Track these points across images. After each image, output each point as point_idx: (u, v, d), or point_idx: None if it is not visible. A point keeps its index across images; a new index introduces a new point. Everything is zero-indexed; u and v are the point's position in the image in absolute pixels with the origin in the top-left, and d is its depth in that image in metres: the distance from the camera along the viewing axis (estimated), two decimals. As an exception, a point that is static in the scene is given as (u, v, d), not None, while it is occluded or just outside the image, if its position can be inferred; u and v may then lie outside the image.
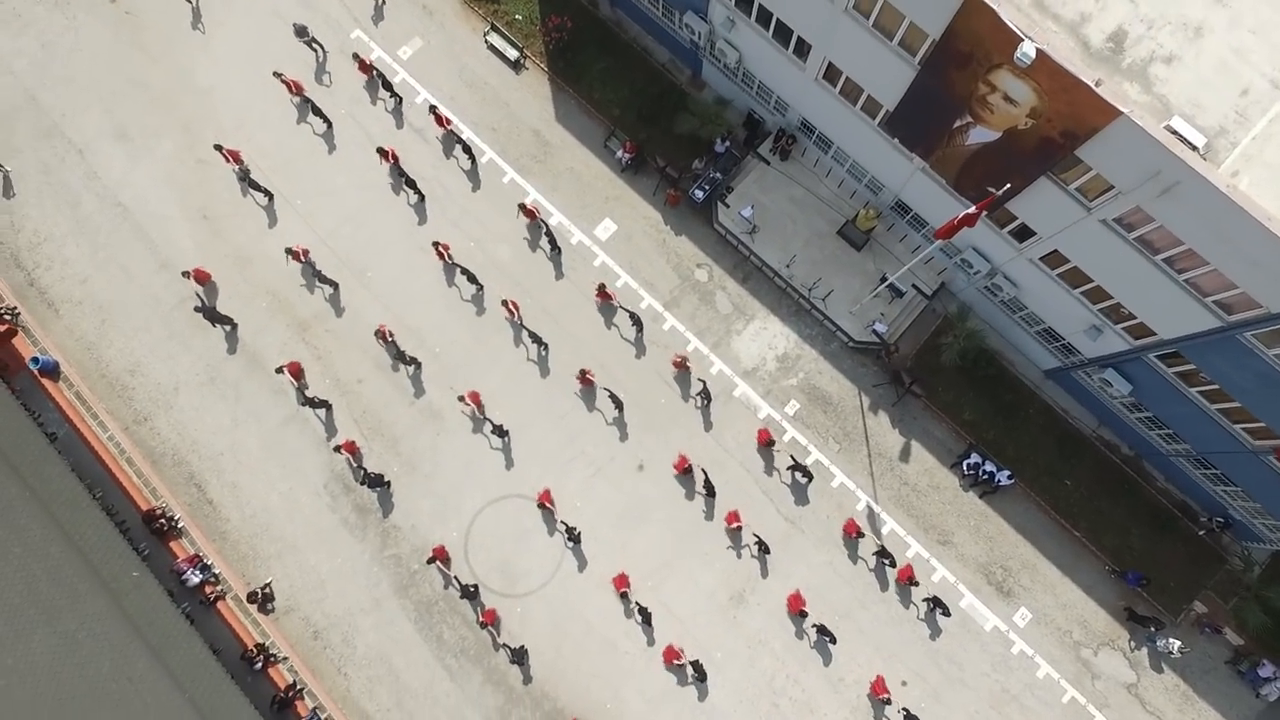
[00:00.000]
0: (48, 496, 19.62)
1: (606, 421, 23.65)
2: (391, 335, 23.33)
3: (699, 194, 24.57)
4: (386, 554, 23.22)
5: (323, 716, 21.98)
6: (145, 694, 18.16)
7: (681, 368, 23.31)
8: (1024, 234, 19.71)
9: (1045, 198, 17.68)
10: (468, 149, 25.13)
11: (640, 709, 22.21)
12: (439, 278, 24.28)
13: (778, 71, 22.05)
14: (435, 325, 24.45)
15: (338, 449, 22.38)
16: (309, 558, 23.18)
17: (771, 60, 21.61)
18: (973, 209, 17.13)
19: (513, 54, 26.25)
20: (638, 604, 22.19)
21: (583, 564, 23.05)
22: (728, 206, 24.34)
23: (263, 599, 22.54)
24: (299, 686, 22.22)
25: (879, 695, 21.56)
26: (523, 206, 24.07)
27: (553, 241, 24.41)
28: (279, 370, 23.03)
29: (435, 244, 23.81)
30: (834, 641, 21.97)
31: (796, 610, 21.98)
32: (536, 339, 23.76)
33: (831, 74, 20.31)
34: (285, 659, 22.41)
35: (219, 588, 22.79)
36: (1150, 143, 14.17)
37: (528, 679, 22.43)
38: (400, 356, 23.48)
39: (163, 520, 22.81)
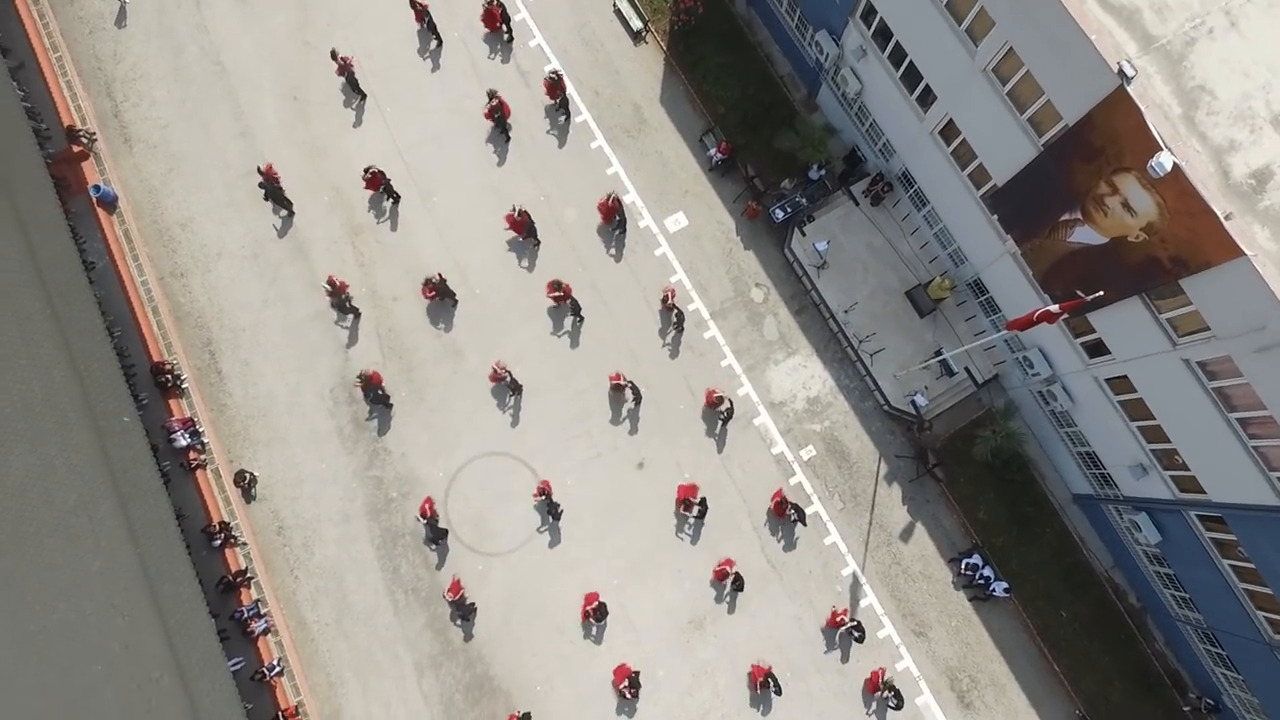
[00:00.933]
0: (67, 320, 19.73)
1: (620, 410, 23.08)
2: (441, 277, 22.90)
3: (779, 214, 23.84)
4: (370, 473, 23.03)
5: (263, 611, 21.92)
6: (100, 536, 18.18)
7: (712, 403, 22.56)
8: (1097, 350, 18.67)
9: (1132, 319, 16.66)
10: (565, 105, 24.67)
11: (567, 702, 21.75)
12: (500, 221, 23.89)
13: (895, 115, 21.21)
14: (483, 267, 24.13)
15: (362, 377, 21.93)
16: (296, 454, 23.09)
17: (892, 101, 20.77)
18: (1054, 308, 16.18)
19: (637, 24, 25.71)
20: (598, 605, 21.69)
21: (555, 541, 22.62)
22: (804, 235, 23.56)
23: (248, 483, 22.49)
24: (249, 575, 22.20)
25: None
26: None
27: (622, 221, 23.86)
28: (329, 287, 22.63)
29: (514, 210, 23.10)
30: (779, 693, 21.21)
31: (758, 679, 21.14)
32: (577, 309, 23.27)
33: (949, 132, 19.43)
34: (245, 545, 22.37)
35: (202, 457, 22.81)
36: (1265, 294, 13.15)
37: (468, 637, 22.10)
38: (443, 290, 23.17)
39: (169, 376, 22.89)
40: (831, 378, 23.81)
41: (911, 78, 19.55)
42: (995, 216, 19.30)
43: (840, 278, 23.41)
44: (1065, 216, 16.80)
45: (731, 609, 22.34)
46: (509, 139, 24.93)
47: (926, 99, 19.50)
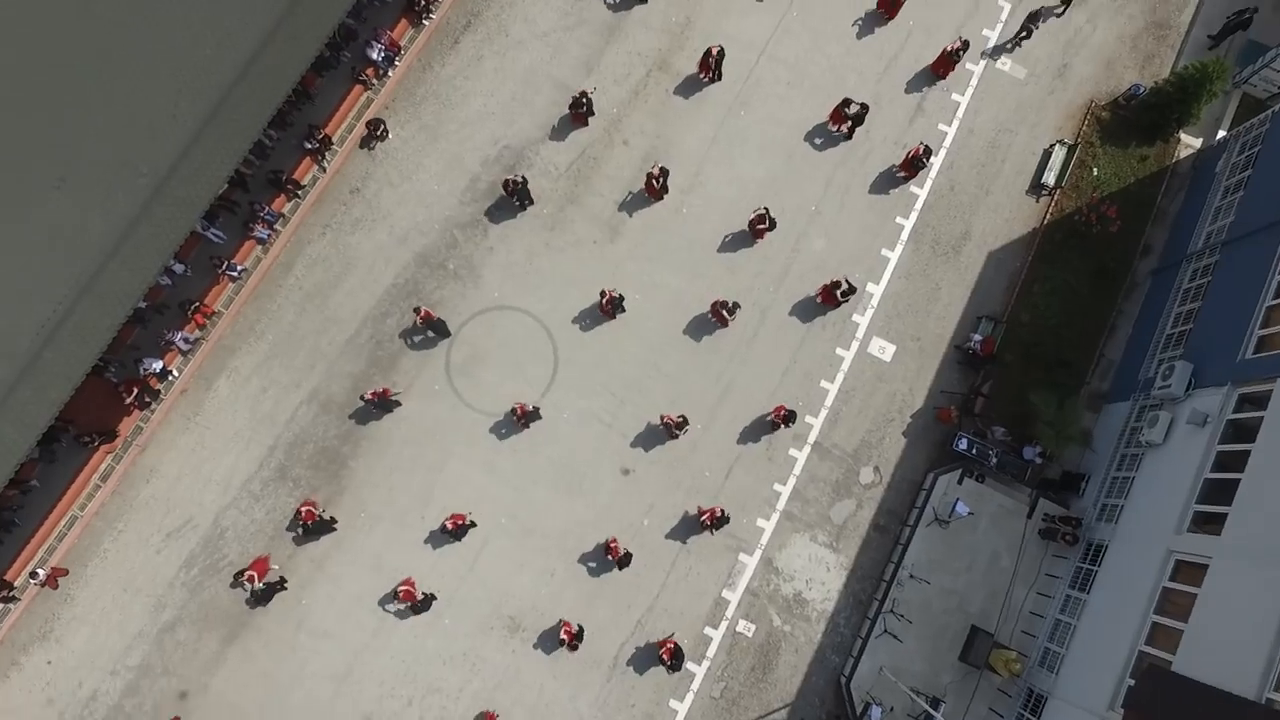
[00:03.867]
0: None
1: (655, 413, 20.23)
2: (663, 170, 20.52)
3: (962, 444, 19.96)
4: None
5: (275, 226, 20.80)
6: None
7: (707, 520, 19.46)
8: None
9: None
10: (915, 171, 21.42)
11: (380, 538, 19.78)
12: (743, 225, 21.04)
13: (1157, 499, 16.89)
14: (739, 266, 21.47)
15: None
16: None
17: (1170, 486, 16.45)
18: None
19: (1049, 179, 21.85)
20: (469, 524, 19.37)
21: (496, 437, 20.34)
22: (959, 483, 19.65)
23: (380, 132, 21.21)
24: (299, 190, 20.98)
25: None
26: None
27: (845, 294, 20.63)
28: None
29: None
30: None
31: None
32: (734, 310, 20.39)
33: (1185, 575, 15.06)
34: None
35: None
36: None
37: (362, 422, 20.30)
38: (661, 186, 20.82)
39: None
40: (835, 604, 20.16)
41: (1218, 494, 15.18)
42: (1126, 689, 14.96)
43: (940, 548, 19.48)
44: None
45: (557, 641, 19.56)
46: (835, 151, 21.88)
47: (1206, 521, 15.14)
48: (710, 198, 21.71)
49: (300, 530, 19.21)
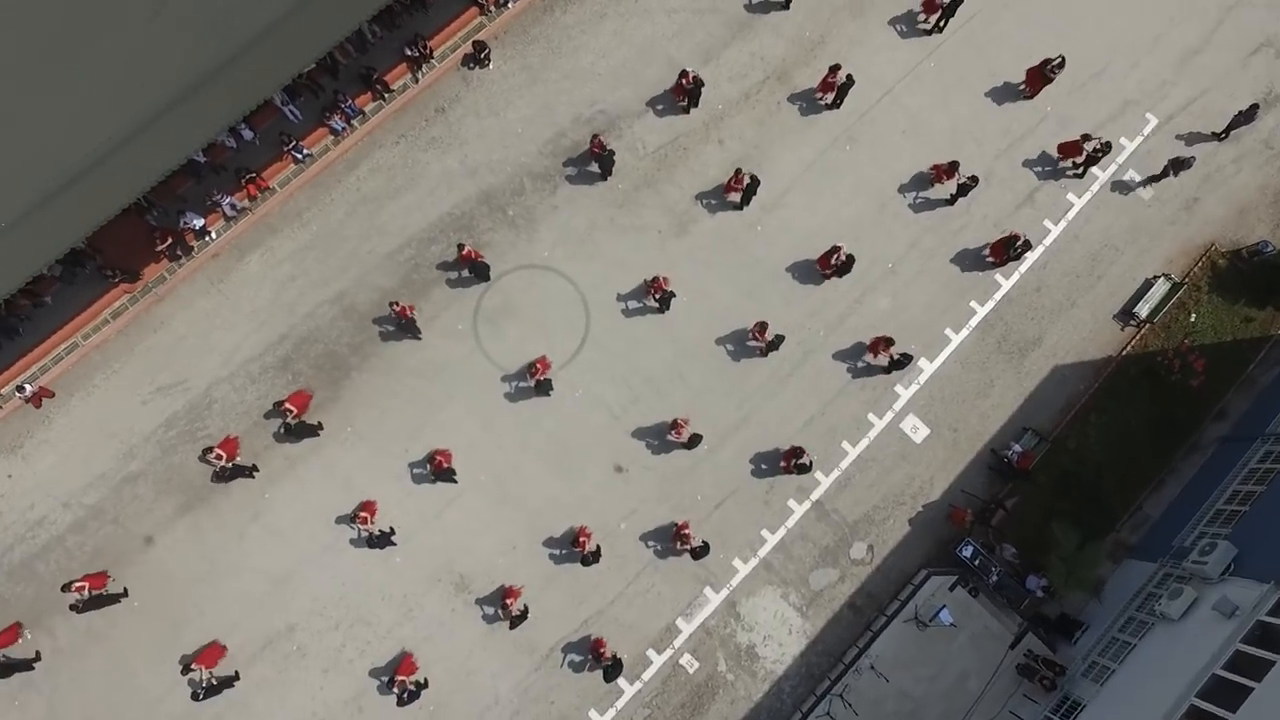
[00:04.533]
0: None
1: (667, 417, 19.36)
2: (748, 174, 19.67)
3: (967, 551, 18.83)
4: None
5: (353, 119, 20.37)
6: None
7: (679, 537, 18.56)
8: None
9: None
10: (1009, 257, 20.25)
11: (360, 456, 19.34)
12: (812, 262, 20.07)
13: (1145, 683, 15.58)
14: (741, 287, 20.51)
15: None
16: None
17: (1162, 673, 15.16)
18: None
19: (1143, 309, 20.52)
20: (447, 472, 18.79)
21: (503, 394, 19.69)
22: (950, 589, 18.53)
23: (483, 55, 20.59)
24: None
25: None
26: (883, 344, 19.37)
27: (899, 365, 19.56)
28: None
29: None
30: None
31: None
32: (772, 347, 19.46)
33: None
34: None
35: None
36: None
37: (358, 360, 19.81)
38: (744, 194, 19.95)
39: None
40: (786, 668, 19.22)
41: (1224, 696, 13.90)
42: None
43: (911, 649, 18.41)
44: None
45: (500, 611, 18.95)
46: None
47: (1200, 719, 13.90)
48: (789, 222, 20.75)
49: (284, 425, 18.78)
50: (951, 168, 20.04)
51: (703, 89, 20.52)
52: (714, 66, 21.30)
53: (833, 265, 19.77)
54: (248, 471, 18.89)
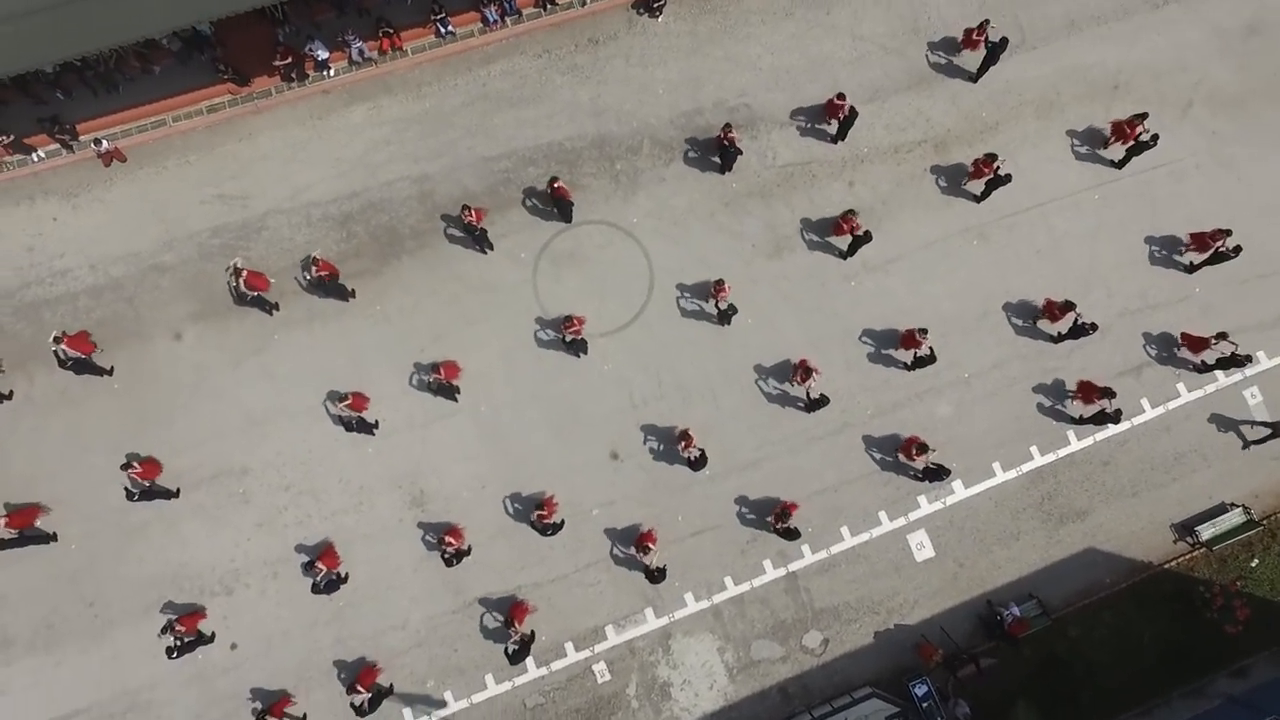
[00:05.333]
0: None
1: (683, 426, 18.38)
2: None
3: (921, 689, 17.68)
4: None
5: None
6: None
7: (642, 546, 17.48)
8: None
9: None
10: (1103, 418, 18.65)
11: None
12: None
13: None
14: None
15: None
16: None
17: None
18: None
19: (1206, 533, 18.85)
20: (450, 388, 18.13)
21: (535, 337, 19.01)
22: (887, 719, 17.24)
23: None
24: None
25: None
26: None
27: (932, 475, 18.26)
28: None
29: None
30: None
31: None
32: (822, 404, 18.34)
33: None
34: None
35: None
36: None
37: (414, 244, 19.25)
38: (856, 243, 18.71)
39: None
40: (690, 722, 18.20)
41: None
42: None
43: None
44: None
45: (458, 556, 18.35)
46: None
47: None
48: (885, 290, 19.53)
49: (310, 275, 18.31)
50: (1065, 308, 18.50)
51: (855, 123, 19.34)
52: (876, 107, 20.12)
53: (914, 352, 18.43)
54: (268, 307, 18.55)
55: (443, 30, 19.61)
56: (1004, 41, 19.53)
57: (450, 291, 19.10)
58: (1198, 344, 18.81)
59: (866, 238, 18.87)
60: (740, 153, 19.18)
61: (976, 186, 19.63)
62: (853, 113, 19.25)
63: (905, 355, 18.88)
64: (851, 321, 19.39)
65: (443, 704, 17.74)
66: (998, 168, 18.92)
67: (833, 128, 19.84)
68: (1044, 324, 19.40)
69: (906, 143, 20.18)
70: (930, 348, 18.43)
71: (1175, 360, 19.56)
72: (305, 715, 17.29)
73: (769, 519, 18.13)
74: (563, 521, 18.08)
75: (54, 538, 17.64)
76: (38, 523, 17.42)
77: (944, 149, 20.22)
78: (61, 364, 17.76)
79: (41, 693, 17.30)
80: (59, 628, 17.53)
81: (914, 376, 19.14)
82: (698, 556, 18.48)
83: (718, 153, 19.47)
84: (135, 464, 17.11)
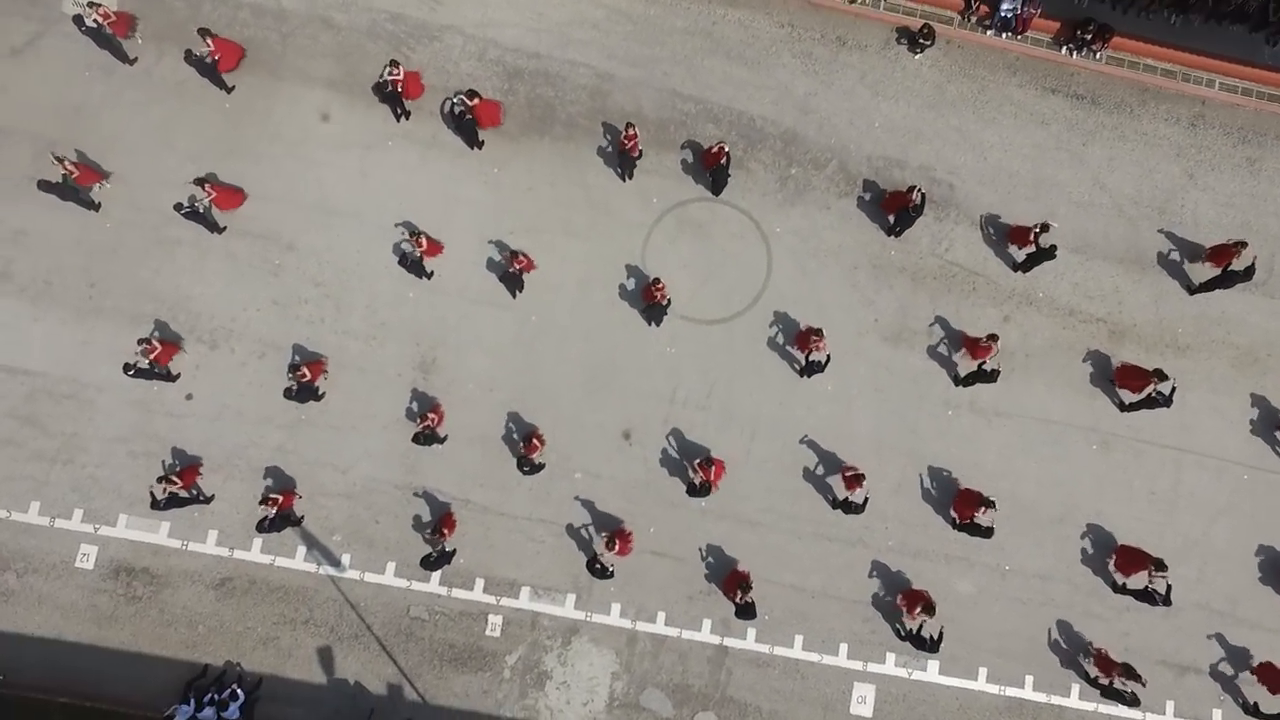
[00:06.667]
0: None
1: (709, 453, 16.88)
2: None
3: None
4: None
5: None
6: None
7: (612, 541, 16.06)
8: None
9: None
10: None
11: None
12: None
13: None
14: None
15: None
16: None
17: None
18: None
19: None
20: (517, 280, 16.97)
21: (619, 282, 17.70)
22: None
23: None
24: None
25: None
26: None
27: (918, 640, 16.35)
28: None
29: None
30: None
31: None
32: (849, 509, 16.59)
33: None
34: None
35: None
36: None
37: (566, 129, 18.00)
38: (976, 377, 16.77)
39: None
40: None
41: None
42: None
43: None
44: None
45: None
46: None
47: None
48: (978, 438, 17.62)
49: (456, 107, 17.31)
50: (1147, 563, 16.25)
51: (1047, 262, 17.34)
52: (1076, 260, 18.08)
53: (972, 517, 16.48)
54: (401, 112, 17.71)
55: (708, -50, 18.25)
56: (1248, 272, 17.22)
57: (569, 194, 17.91)
58: (1275, 681, 16.33)
59: (991, 376, 16.95)
60: (915, 219, 17.40)
61: (1125, 397, 17.42)
62: (1050, 251, 17.25)
63: (961, 516, 16.86)
64: (928, 449, 17.51)
65: (337, 563, 16.80)
66: (1161, 389, 16.65)
67: (1021, 255, 17.82)
68: (1114, 567, 17.14)
69: (1086, 313, 18.06)
70: (992, 524, 16.44)
71: (1228, 683, 17.10)
72: (213, 497, 16.55)
73: (726, 583, 16.52)
74: (543, 465, 16.85)
75: (97, 207, 17.23)
76: (94, 188, 17.02)
77: (1118, 340, 18.03)
78: (187, 59, 17.27)
79: (6, 336, 16.95)
80: (54, 289, 17.17)
81: (956, 537, 17.19)
82: (646, 576, 17.05)
83: (894, 213, 17.72)
84: (209, 186, 16.50)
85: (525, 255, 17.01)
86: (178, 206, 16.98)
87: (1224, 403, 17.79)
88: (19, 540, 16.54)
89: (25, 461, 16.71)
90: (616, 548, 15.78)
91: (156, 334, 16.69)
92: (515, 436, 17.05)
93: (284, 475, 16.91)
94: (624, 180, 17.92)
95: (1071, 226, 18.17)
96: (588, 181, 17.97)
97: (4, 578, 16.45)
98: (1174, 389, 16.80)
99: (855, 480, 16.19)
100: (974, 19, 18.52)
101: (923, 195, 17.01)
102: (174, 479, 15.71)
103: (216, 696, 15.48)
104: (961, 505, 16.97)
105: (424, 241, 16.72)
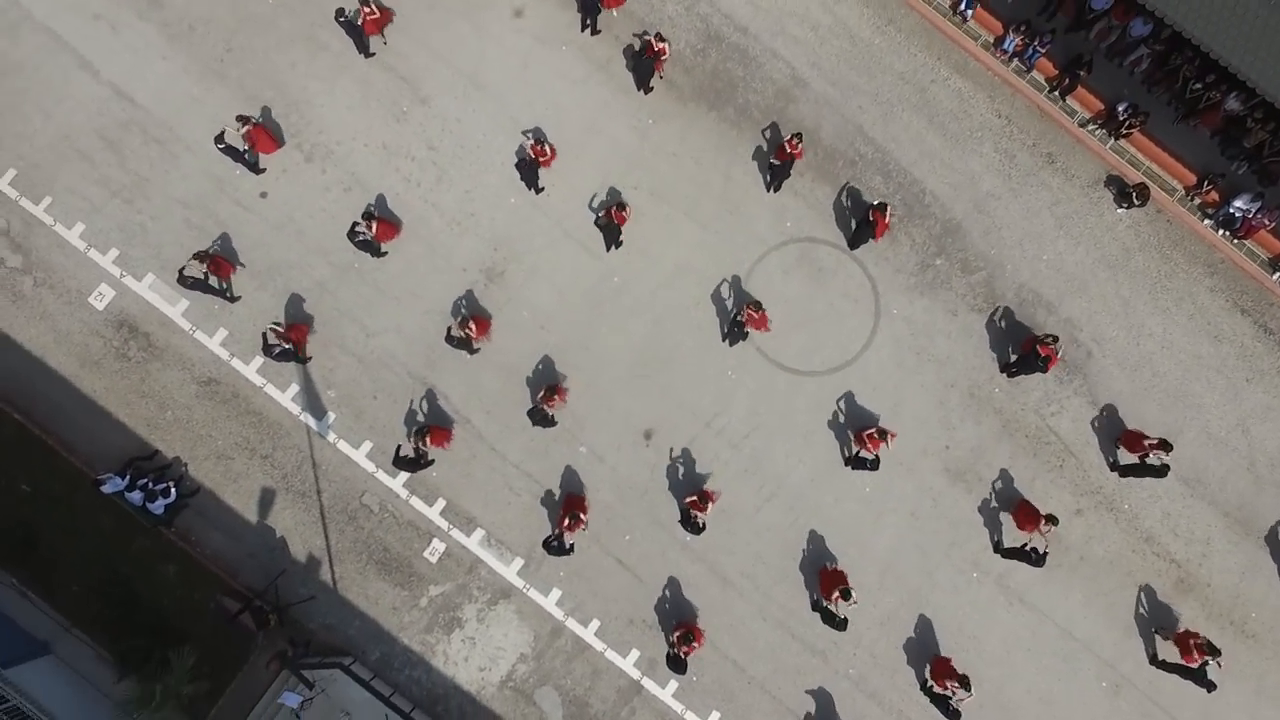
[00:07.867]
0: None
1: (723, 487, 15.67)
2: None
3: None
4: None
5: None
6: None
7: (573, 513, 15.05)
8: None
9: None
10: None
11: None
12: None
13: None
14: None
15: None
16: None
17: None
18: None
19: None
20: (616, 232, 15.96)
21: (718, 288, 16.55)
22: None
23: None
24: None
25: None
26: None
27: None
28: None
29: None
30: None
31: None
32: (832, 618, 15.20)
33: None
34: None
35: None
36: None
37: (734, 111, 16.79)
38: (1026, 556, 15.18)
39: None
40: (435, 663, 15.97)
41: None
42: None
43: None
44: None
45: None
46: None
47: None
48: (991, 615, 16.10)
49: (640, 46, 16.31)
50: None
51: (1152, 478, 15.63)
52: (1181, 491, 16.45)
53: (947, 689, 14.93)
54: (592, 23, 16.86)
55: (962, 9, 16.82)
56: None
57: (709, 178, 16.80)
58: None
59: (1035, 559, 15.39)
60: (1034, 371, 15.85)
61: (1170, 654, 15.60)
62: (1160, 470, 15.54)
63: (935, 681, 15.33)
64: (934, 599, 16.02)
65: (322, 416, 16.15)
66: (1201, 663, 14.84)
67: (1127, 459, 16.09)
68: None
69: (1164, 548, 16.26)
70: (960, 708, 14.90)
71: None
72: (239, 298, 16.02)
73: (673, 636, 15.30)
74: (555, 423, 15.87)
75: (269, -21, 16.70)
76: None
77: (1184, 591, 16.20)
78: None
79: (133, 60, 16.67)
80: (194, 37, 16.90)
81: (918, 700, 15.67)
82: (597, 580, 15.97)
83: (1019, 355, 16.16)
84: (371, 4, 15.84)
85: (626, 211, 15.84)
86: (339, 13, 16.37)
87: (1266, 713, 15.80)
88: (51, 253, 16.26)
89: (92, 183, 16.41)
90: (578, 519, 14.77)
91: (260, 120, 16.12)
92: (541, 382, 16.08)
93: (310, 311, 16.28)
94: (768, 190, 16.74)
95: (1192, 454, 16.36)
96: (733, 174, 16.82)
97: (22, 280, 16.19)
98: (1219, 666, 14.93)
99: (846, 595, 14.75)
100: (1198, 200, 16.72)
101: (1058, 353, 15.40)
102: (210, 262, 15.17)
103: (151, 485, 14.93)
104: (938, 671, 15.43)
105: (547, 150, 15.80)
